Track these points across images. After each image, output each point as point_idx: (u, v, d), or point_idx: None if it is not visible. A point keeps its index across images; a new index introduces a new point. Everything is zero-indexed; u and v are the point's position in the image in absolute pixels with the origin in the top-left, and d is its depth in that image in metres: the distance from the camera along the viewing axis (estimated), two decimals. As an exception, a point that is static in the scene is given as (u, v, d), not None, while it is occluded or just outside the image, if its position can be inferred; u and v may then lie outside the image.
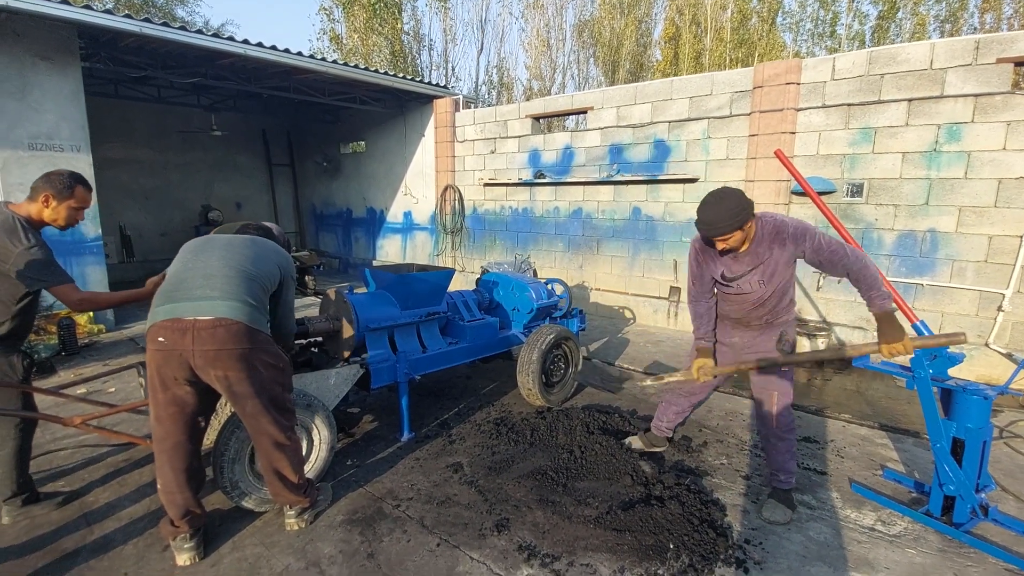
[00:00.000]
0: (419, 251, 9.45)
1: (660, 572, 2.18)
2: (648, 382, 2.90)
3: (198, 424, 2.23)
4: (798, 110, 5.18)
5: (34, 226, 2.37)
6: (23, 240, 2.23)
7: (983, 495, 2.45)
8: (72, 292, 2.32)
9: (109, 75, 7.59)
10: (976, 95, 4.28)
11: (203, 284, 2.12)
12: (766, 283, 2.47)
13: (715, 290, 2.70)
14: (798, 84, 5.13)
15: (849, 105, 4.88)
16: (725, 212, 2.28)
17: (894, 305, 2.33)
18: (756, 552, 2.33)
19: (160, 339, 2.04)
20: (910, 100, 4.58)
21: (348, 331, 3.23)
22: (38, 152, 5.50)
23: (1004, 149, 4.21)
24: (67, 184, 2.38)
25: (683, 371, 2.79)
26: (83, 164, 5.82)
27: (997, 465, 3.07)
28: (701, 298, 2.73)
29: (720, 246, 2.40)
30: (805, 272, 5.32)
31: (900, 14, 15.97)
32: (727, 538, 2.40)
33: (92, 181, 5.90)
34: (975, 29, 15.19)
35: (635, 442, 3.24)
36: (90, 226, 5.96)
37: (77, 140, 5.75)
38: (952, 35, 15.18)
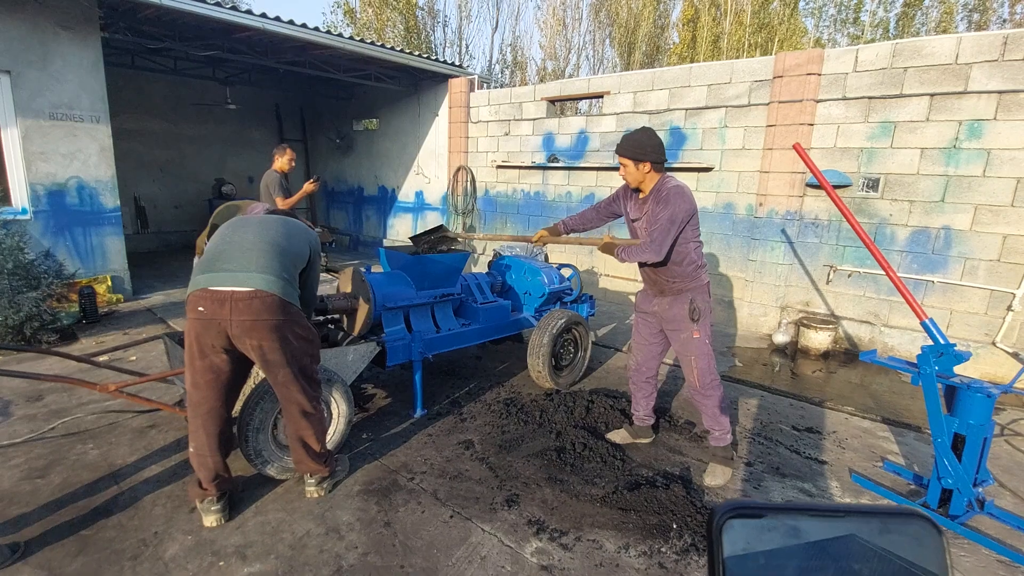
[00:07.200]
0: (430, 231, 9.49)
1: (663, 550, 2.27)
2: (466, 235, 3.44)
3: (232, 391, 2.33)
4: (817, 101, 5.13)
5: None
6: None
7: (980, 489, 2.53)
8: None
9: (127, 46, 7.59)
10: (1000, 92, 4.23)
11: (240, 257, 2.21)
12: (645, 233, 2.74)
13: (607, 219, 3.07)
14: (819, 75, 5.07)
15: (870, 98, 4.84)
16: (633, 139, 2.66)
17: (623, 257, 2.72)
18: (756, 535, 2.42)
19: (200, 308, 2.14)
20: (932, 95, 4.54)
21: (365, 309, 3.32)
22: (59, 121, 5.55)
23: (1025, 148, 4.18)
24: (281, 149, 5.43)
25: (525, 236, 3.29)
26: (102, 135, 5.88)
27: (997, 461, 3.14)
28: (595, 212, 3.07)
29: (620, 172, 2.77)
30: (815, 266, 5.35)
31: (927, 1, 15.58)
32: (728, 521, 2.49)
33: (110, 151, 5.99)
34: (1004, 21, 14.81)
35: (617, 436, 3.20)
36: (108, 196, 6.03)
37: (97, 111, 5.80)
38: (980, 26, 14.81)
